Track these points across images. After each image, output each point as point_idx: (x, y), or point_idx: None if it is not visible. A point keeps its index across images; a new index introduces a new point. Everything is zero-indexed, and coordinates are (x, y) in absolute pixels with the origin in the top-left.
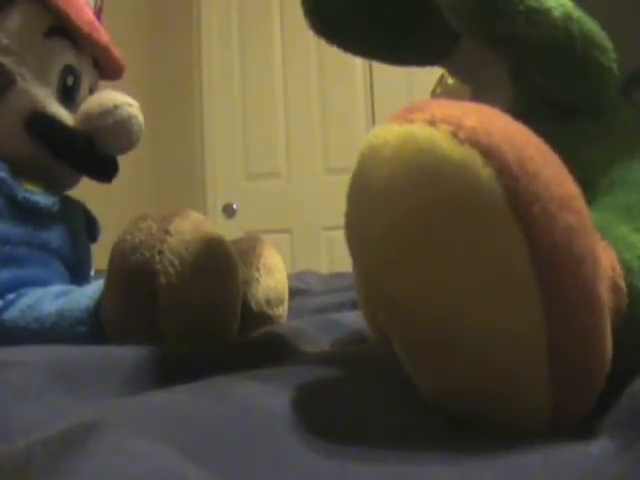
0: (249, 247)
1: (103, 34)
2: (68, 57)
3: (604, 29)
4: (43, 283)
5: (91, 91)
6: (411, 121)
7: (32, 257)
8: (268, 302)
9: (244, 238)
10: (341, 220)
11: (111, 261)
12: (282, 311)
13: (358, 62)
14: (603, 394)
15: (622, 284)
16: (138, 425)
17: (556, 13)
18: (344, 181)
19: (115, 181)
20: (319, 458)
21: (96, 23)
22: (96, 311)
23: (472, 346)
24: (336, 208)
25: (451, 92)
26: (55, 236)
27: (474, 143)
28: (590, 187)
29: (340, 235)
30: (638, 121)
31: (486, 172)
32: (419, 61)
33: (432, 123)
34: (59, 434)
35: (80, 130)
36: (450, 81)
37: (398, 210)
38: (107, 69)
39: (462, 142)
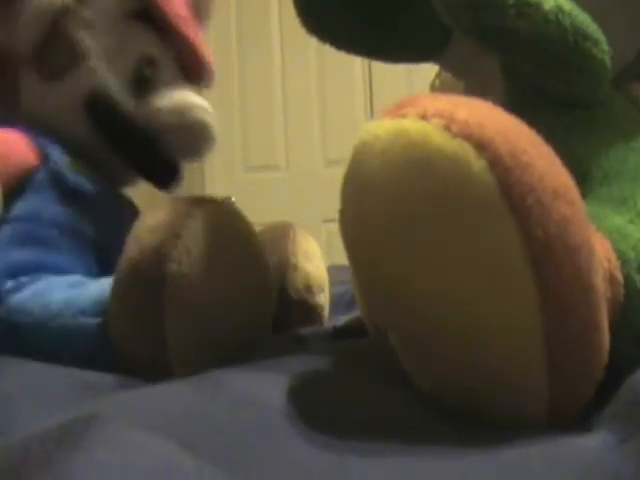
0: (281, 234)
1: (193, 31)
2: (149, 46)
3: (596, 23)
4: (65, 271)
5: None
6: (403, 116)
7: (61, 242)
8: (308, 289)
9: (274, 225)
10: None
11: (125, 244)
12: (324, 299)
13: None
14: (602, 387)
15: (618, 275)
16: (136, 418)
17: (547, 6)
18: (343, 173)
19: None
20: (318, 451)
21: (189, 19)
22: (104, 303)
23: (469, 337)
24: (336, 200)
25: (450, 84)
26: (94, 226)
27: (466, 136)
28: (584, 179)
29: None
30: (631, 113)
31: (479, 164)
32: (411, 57)
33: (424, 117)
34: (55, 428)
35: (144, 126)
36: None
37: (391, 204)
38: (193, 71)
39: (455, 135)
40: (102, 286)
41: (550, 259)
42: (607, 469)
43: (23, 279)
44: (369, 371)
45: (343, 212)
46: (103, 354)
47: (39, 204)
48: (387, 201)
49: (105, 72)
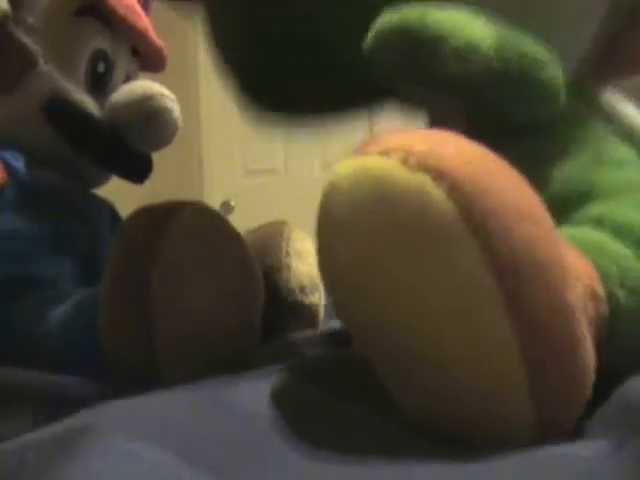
0: (275, 233)
1: (142, 19)
2: (100, 41)
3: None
4: (52, 284)
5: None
6: (366, 154)
7: (43, 255)
8: (302, 289)
9: (268, 224)
10: None
11: (108, 255)
12: (318, 299)
13: None
14: (593, 395)
15: (600, 291)
16: (132, 427)
17: (484, 45)
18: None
19: (111, 177)
20: (314, 462)
21: (136, 7)
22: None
23: (447, 364)
24: None
25: None
26: (73, 234)
27: (424, 167)
28: (554, 200)
29: None
30: (594, 130)
31: (437, 193)
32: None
33: (385, 153)
34: (52, 436)
35: (106, 122)
36: None
37: (359, 241)
38: (147, 59)
39: (413, 167)
40: (88, 296)
41: (519, 277)
42: (602, 477)
43: (8, 297)
44: (367, 382)
45: (318, 254)
46: (92, 360)
47: (14, 220)
48: (356, 238)
49: (60, 75)
